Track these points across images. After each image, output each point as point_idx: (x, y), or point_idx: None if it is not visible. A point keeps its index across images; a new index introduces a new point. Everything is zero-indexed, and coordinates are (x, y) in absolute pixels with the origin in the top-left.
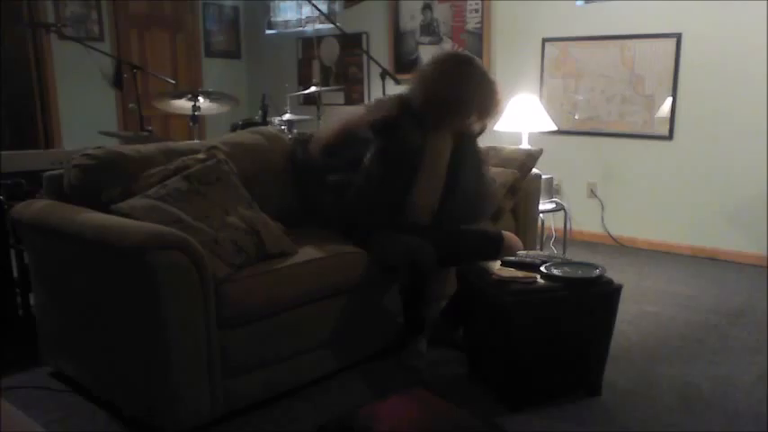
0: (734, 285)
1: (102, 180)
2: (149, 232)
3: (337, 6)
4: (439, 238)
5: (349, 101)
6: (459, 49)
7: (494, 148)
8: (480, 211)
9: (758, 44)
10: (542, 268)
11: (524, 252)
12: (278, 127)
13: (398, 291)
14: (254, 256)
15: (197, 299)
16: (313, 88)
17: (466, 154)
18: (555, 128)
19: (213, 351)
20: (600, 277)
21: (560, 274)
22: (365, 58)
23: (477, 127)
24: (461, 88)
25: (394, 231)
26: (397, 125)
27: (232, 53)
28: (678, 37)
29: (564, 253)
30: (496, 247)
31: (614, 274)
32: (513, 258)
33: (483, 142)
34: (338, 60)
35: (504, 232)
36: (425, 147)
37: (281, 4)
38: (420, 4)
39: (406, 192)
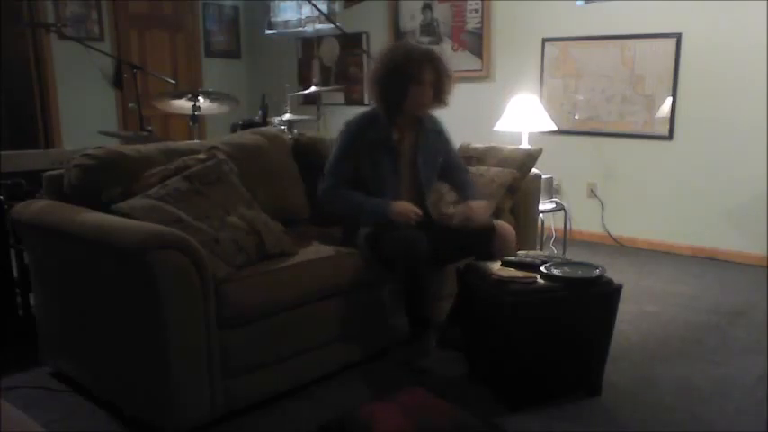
0: (734, 285)
1: (102, 180)
2: (149, 232)
3: (337, 6)
4: (430, 235)
5: (349, 101)
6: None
7: (494, 148)
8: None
9: (758, 44)
10: (542, 268)
11: (524, 252)
12: (278, 127)
13: (401, 292)
14: (255, 256)
15: (197, 299)
16: (313, 88)
17: (429, 143)
18: (555, 128)
19: (213, 351)
20: (600, 277)
21: (560, 274)
22: (365, 58)
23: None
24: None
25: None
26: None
27: (232, 53)
28: (678, 37)
29: (564, 253)
30: (488, 238)
31: (614, 274)
32: (513, 258)
33: (483, 142)
34: (338, 60)
35: (495, 222)
36: (397, 142)
37: (281, 4)
38: (420, 4)
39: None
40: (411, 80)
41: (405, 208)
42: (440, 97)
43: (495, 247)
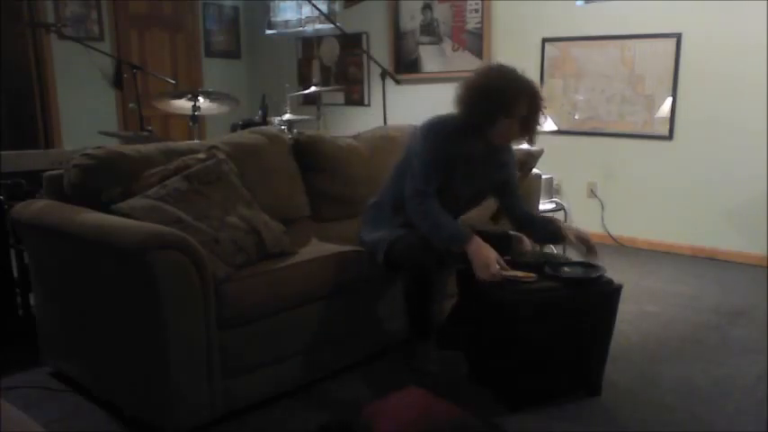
0: (734, 285)
1: (102, 180)
2: (149, 232)
3: (337, 6)
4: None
5: (349, 101)
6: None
7: None
8: None
9: (758, 44)
10: (542, 268)
11: (524, 252)
12: (278, 127)
13: (403, 295)
14: (255, 256)
15: (197, 299)
16: (313, 88)
17: (491, 170)
18: (555, 128)
19: (213, 351)
20: (600, 277)
21: (560, 274)
22: (365, 58)
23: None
24: (488, 88)
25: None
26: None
27: (232, 53)
28: (678, 37)
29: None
30: (507, 244)
31: (614, 274)
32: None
33: None
34: (338, 60)
35: (510, 232)
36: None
37: (281, 4)
38: (420, 4)
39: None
40: (502, 111)
41: (488, 261)
42: (526, 133)
43: (511, 254)
